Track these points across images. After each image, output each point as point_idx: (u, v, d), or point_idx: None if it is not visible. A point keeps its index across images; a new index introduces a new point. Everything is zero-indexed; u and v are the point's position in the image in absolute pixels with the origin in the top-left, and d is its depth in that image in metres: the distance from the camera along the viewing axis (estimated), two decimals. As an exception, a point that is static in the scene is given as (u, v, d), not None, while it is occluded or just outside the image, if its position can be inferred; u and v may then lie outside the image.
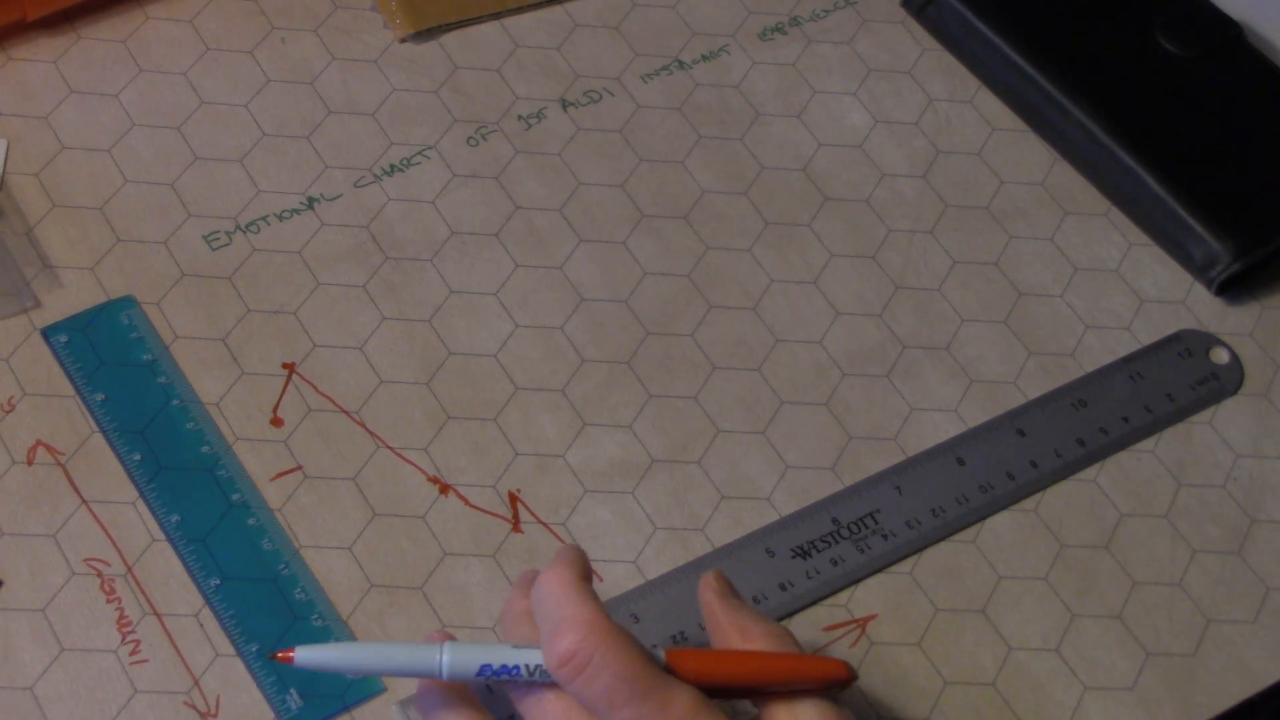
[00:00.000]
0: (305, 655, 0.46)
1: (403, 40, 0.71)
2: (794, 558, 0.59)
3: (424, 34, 0.71)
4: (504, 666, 0.45)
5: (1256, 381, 0.67)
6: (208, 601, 0.55)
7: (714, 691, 0.46)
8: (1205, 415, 0.66)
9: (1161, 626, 0.60)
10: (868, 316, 0.66)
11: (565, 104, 0.70)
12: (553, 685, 0.45)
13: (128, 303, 0.61)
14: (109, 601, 0.55)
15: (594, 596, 0.45)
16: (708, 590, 0.49)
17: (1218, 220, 0.69)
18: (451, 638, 0.48)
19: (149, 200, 0.64)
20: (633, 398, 0.63)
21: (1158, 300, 0.69)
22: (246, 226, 0.64)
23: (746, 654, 0.47)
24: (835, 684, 0.47)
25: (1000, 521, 0.62)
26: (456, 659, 0.46)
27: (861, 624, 0.59)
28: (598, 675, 0.43)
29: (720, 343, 0.65)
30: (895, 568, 0.60)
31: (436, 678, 0.46)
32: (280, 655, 0.46)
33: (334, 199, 0.66)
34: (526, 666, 0.45)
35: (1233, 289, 0.69)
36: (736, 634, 0.47)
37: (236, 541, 0.56)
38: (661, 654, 0.46)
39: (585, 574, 0.47)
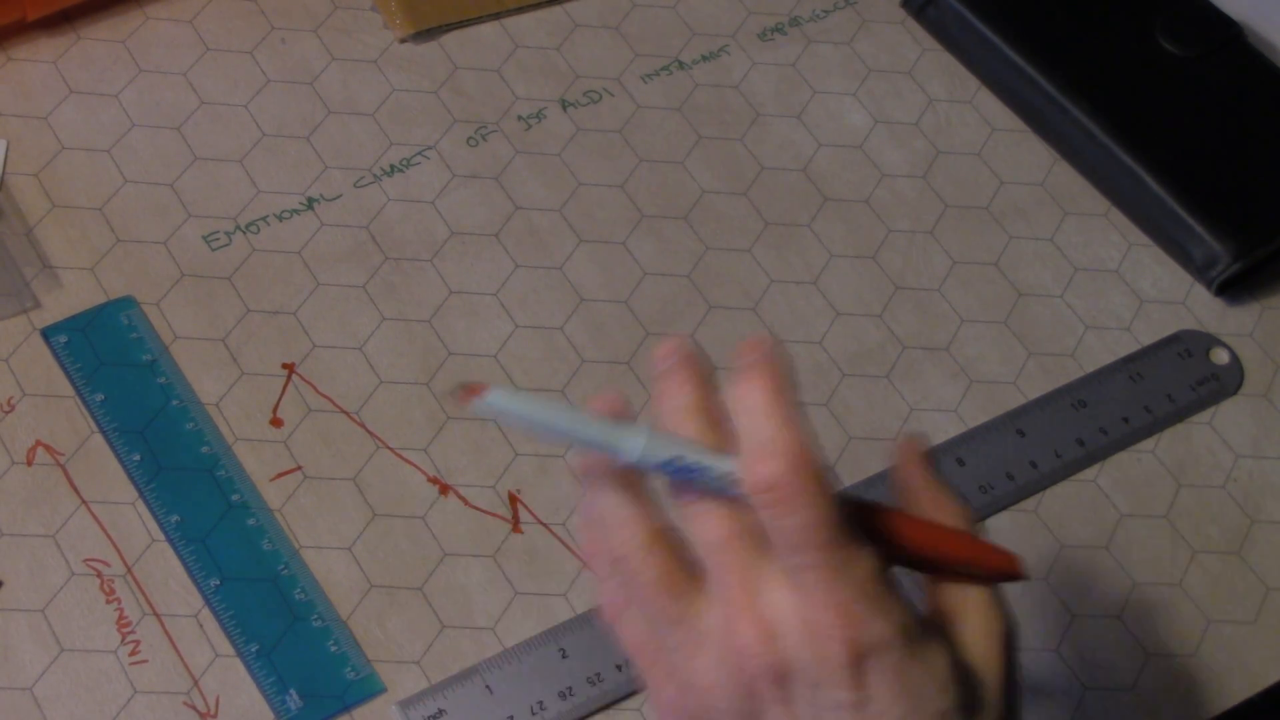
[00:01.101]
0: (495, 397, 0.41)
1: (403, 40, 0.71)
2: (794, 558, 0.59)
3: (424, 34, 0.71)
4: (697, 464, 0.42)
5: (1256, 382, 0.67)
6: (207, 602, 0.55)
7: (894, 559, 0.44)
8: (1205, 416, 0.66)
9: (1162, 627, 0.60)
10: (868, 316, 0.66)
11: (565, 104, 0.70)
12: (729, 500, 0.42)
13: (127, 303, 0.61)
14: (109, 602, 0.55)
15: (801, 418, 0.41)
16: (909, 455, 0.47)
17: (1218, 220, 0.69)
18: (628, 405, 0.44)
19: (149, 200, 0.64)
20: (633, 398, 0.62)
21: (1157, 300, 0.69)
22: (246, 226, 0.64)
23: (934, 526, 0.45)
24: (1007, 577, 0.46)
25: (1000, 522, 0.62)
26: (652, 444, 0.42)
27: (861, 624, 0.59)
28: (795, 512, 0.40)
29: (720, 343, 0.65)
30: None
31: (622, 458, 0.42)
32: (470, 388, 0.41)
33: (334, 199, 0.66)
34: (716, 472, 0.42)
35: (1233, 289, 0.69)
36: (929, 502, 0.46)
37: (236, 542, 0.56)
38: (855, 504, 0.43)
39: (795, 389, 0.42)
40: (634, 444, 0.42)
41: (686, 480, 0.42)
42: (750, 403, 0.42)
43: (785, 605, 0.41)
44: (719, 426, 0.43)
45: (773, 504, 0.40)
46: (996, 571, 0.45)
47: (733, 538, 0.42)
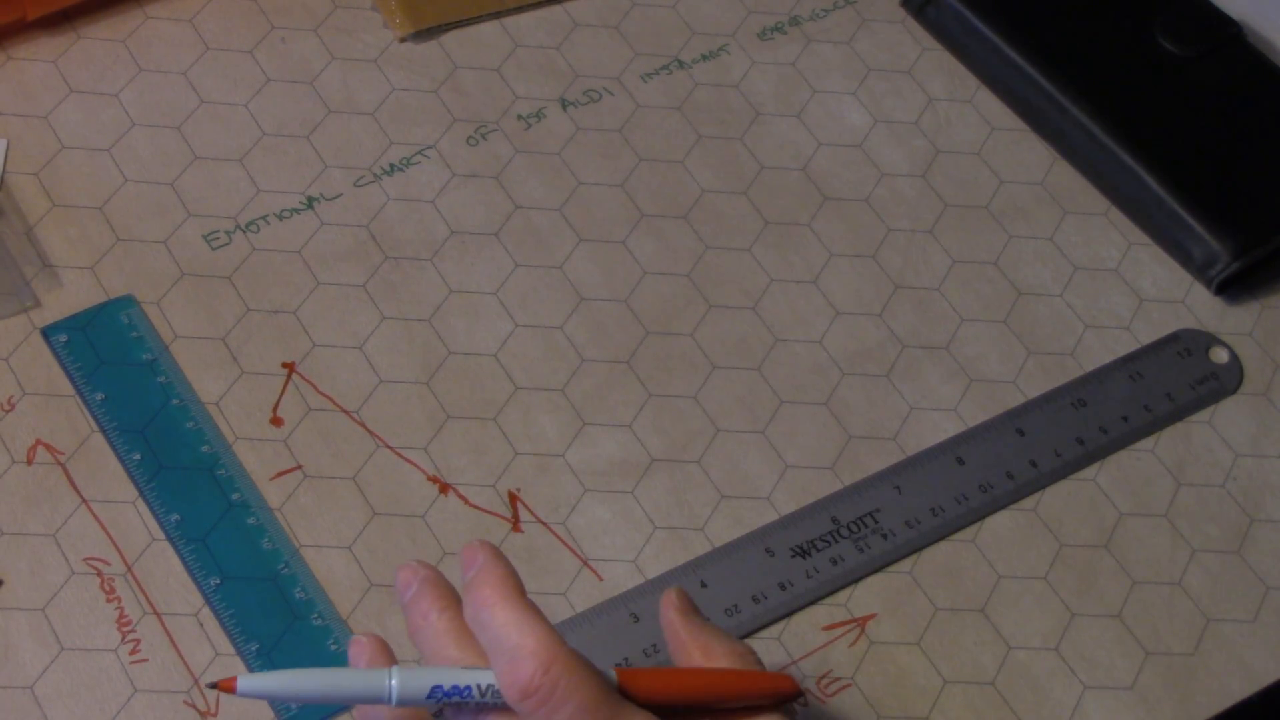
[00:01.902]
0: (247, 684, 0.44)
1: (402, 40, 0.71)
2: (794, 557, 0.59)
3: (424, 34, 0.71)
4: (455, 688, 0.44)
5: (1256, 381, 0.67)
6: (207, 601, 0.55)
7: (667, 711, 0.46)
8: (1205, 415, 0.66)
9: (1161, 626, 0.60)
10: (868, 316, 0.66)
11: (565, 104, 0.70)
12: (503, 709, 0.44)
13: (127, 302, 0.61)
14: (109, 601, 0.55)
15: (542, 616, 0.44)
16: (670, 608, 0.48)
17: (1218, 220, 0.69)
18: (384, 645, 0.47)
19: (149, 200, 0.64)
20: (633, 397, 0.63)
21: (1157, 300, 0.69)
22: (246, 226, 0.64)
23: (696, 671, 0.47)
24: (784, 698, 0.47)
25: (1000, 521, 0.62)
26: (406, 682, 0.44)
27: (861, 623, 0.59)
28: (560, 707, 0.42)
29: (720, 343, 0.65)
30: (895, 567, 0.60)
31: (386, 704, 0.44)
32: (221, 685, 0.44)
33: (334, 199, 0.66)
34: (478, 687, 0.44)
35: (1232, 288, 0.69)
36: (699, 652, 0.47)
37: (236, 541, 0.56)
38: (612, 674, 0.45)
39: (520, 585, 0.45)
40: (389, 686, 0.44)
41: (458, 703, 0.44)
42: (485, 618, 0.44)
43: None
44: (475, 643, 0.45)
45: (538, 706, 0.42)
46: (775, 696, 0.47)
47: None
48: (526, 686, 0.42)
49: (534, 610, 0.44)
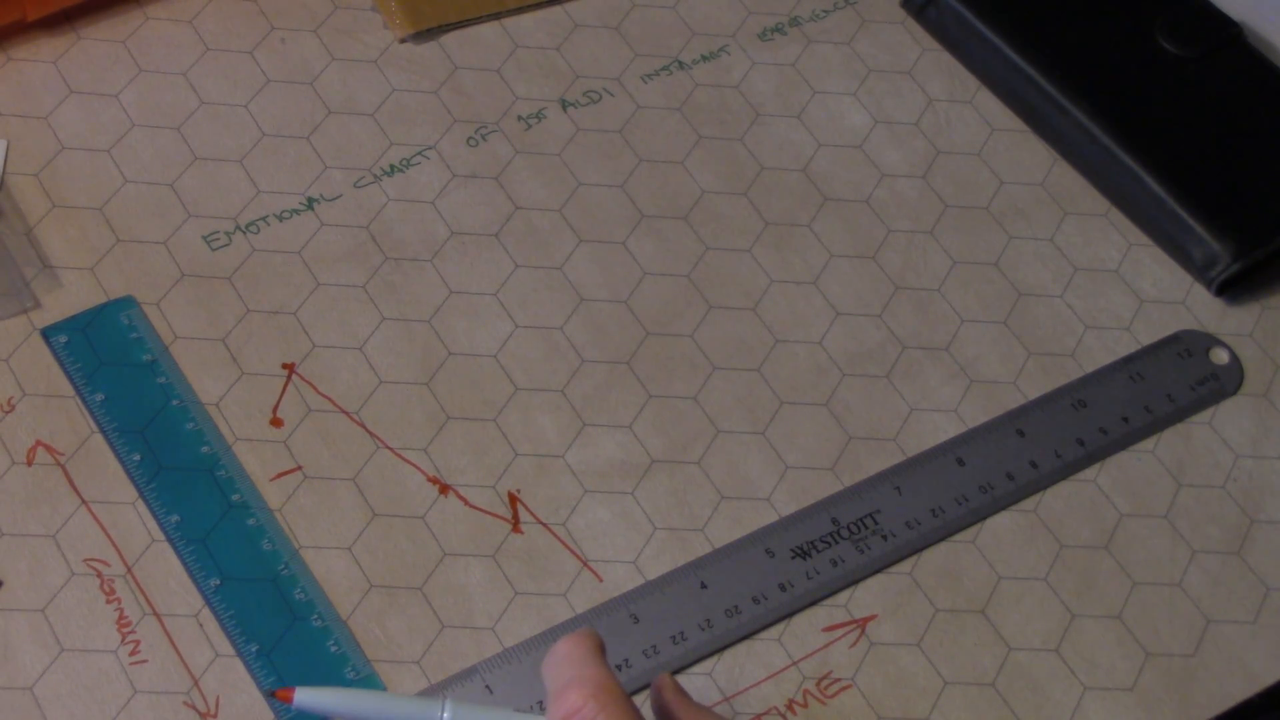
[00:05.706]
0: (304, 697, 0.46)
1: (402, 40, 0.71)
2: (794, 558, 0.59)
3: (424, 34, 0.71)
4: None
5: (1256, 382, 0.67)
6: (207, 602, 0.55)
7: None
8: (1205, 415, 0.66)
9: (1161, 627, 0.60)
10: (868, 317, 0.66)
11: (565, 104, 0.70)
12: None
13: (127, 303, 0.61)
14: (109, 602, 0.55)
15: (608, 665, 0.45)
16: (665, 690, 0.49)
17: (1218, 220, 0.69)
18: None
19: (149, 200, 0.64)
20: (633, 398, 0.63)
21: (1157, 300, 0.69)
22: (246, 227, 0.64)
23: None
24: None
25: (1000, 522, 0.62)
26: (457, 715, 0.45)
27: (861, 624, 0.59)
28: None
29: (720, 343, 0.65)
30: (895, 568, 0.60)
31: None
32: (279, 693, 0.46)
33: (334, 199, 0.66)
34: None
35: (1232, 289, 0.69)
36: None
37: (236, 542, 0.56)
38: None
39: (602, 646, 0.47)
40: (439, 717, 0.45)
41: None
42: (560, 654, 0.46)
43: None
44: None
45: None
46: None
47: None
48: (570, 710, 0.43)
49: (602, 657, 0.46)
